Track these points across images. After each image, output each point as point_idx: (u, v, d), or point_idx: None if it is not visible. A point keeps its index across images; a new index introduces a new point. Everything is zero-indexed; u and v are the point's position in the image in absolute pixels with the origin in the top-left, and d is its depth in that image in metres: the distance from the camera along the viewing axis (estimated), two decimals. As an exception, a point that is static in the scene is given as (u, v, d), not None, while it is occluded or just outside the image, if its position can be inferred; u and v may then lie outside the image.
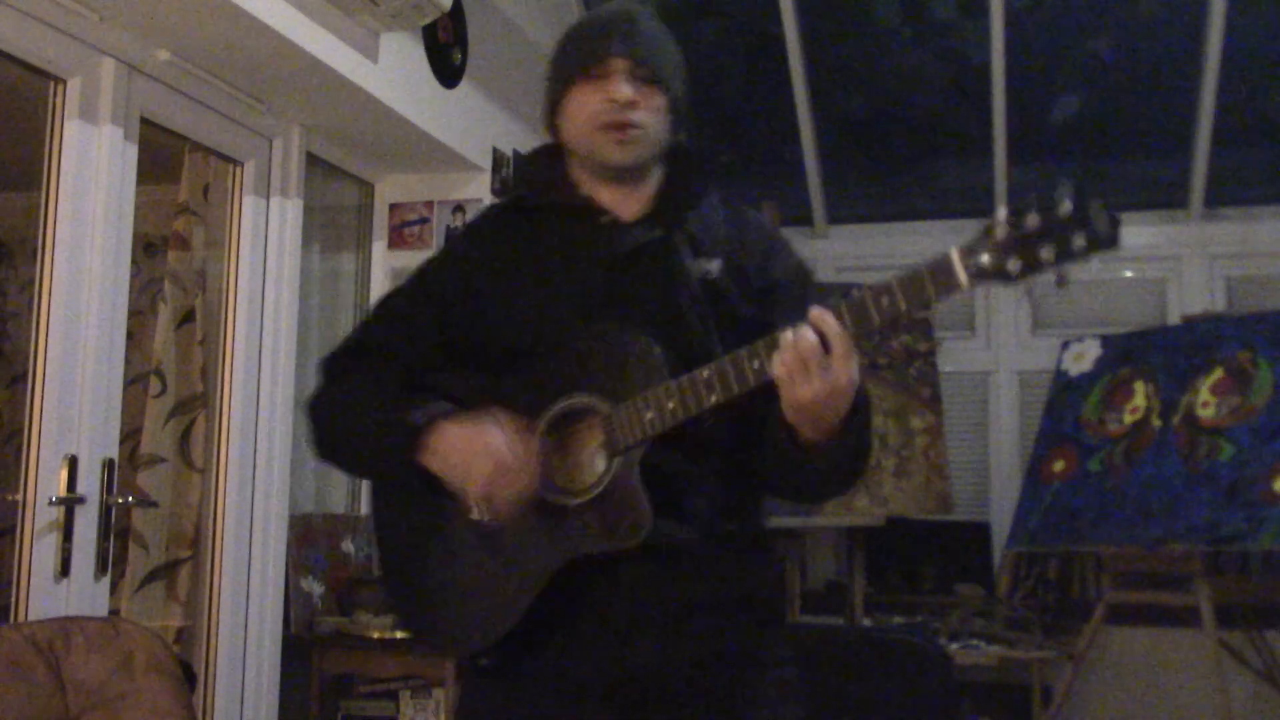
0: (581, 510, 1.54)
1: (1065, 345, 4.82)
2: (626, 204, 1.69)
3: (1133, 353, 4.54)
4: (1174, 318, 4.92)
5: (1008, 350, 5.21)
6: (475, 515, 1.58)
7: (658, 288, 1.62)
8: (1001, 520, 4.91)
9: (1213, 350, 4.29)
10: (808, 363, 1.41)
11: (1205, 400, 4.20)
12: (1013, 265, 1.30)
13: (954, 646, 4.21)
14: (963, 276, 1.33)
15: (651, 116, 1.65)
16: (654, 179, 1.71)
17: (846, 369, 1.42)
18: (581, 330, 1.58)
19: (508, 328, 1.65)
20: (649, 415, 1.49)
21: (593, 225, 1.66)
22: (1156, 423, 4.30)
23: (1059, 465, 4.51)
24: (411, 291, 1.76)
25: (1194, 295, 5.00)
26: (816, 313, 1.42)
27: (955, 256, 1.33)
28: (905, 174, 5.52)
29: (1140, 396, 4.42)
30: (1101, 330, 4.83)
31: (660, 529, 1.50)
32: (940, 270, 1.35)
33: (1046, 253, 1.29)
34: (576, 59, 1.66)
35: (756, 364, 1.46)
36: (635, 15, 1.68)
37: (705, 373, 1.47)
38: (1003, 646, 4.31)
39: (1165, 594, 4.07)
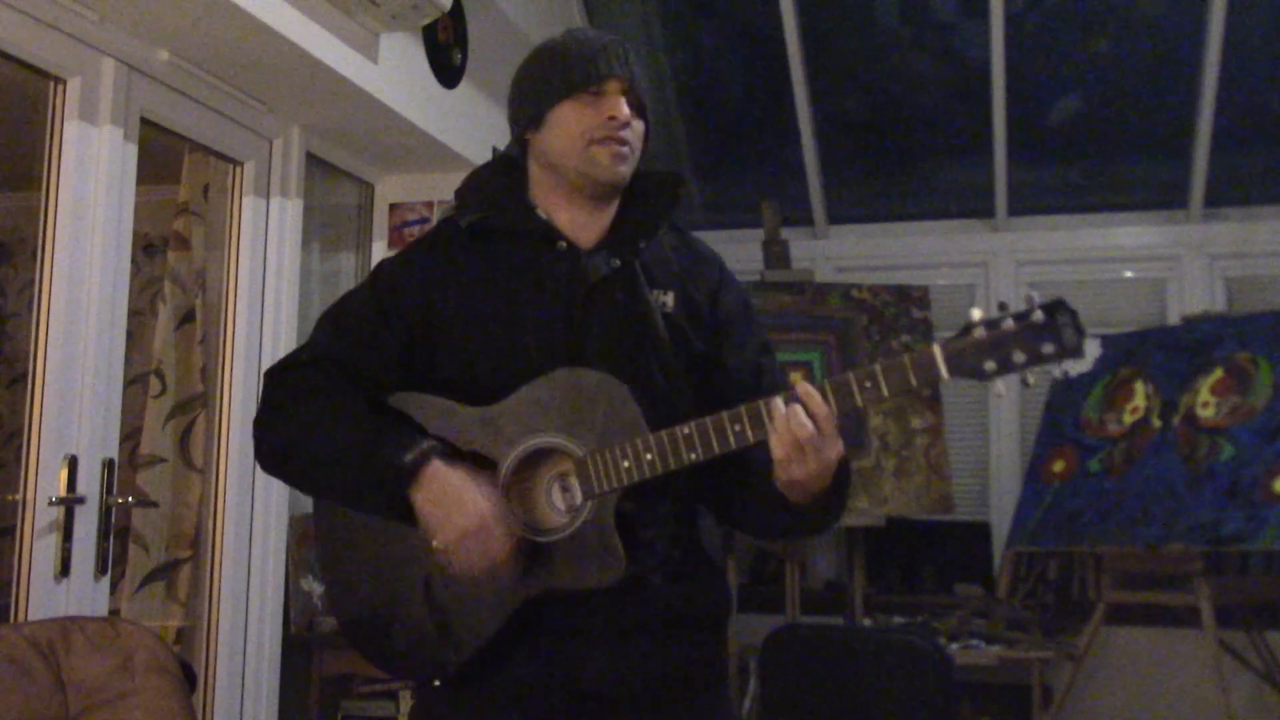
0: (553, 549, 1.57)
1: (1065, 345, 4.81)
2: (585, 230, 1.69)
3: (1133, 353, 4.54)
4: (1174, 318, 4.92)
5: (1008, 350, 5.20)
6: (437, 545, 1.57)
7: (621, 321, 1.63)
8: (1001, 520, 4.91)
9: (1212, 350, 4.29)
10: (804, 446, 1.48)
11: (1205, 400, 4.20)
12: (989, 365, 1.45)
13: (954, 646, 4.21)
14: (944, 370, 1.46)
15: (637, 143, 1.68)
16: (613, 207, 1.72)
17: (836, 448, 1.51)
18: (549, 366, 1.58)
19: (470, 356, 1.64)
20: (625, 464, 1.53)
21: (551, 252, 1.66)
22: (1156, 423, 4.30)
23: (1059, 465, 4.51)
24: (370, 302, 1.70)
25: (1194, 295, 4.99)
26: (805, 391, 1.49)
27: (938, 352, 1.46)
28: (905, 174, 5.52)
29: (1140, 396, 4.42)
30: (1101, 330, 4.82)
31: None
32: (923, 363, 1.46)
33: (1019, 356, 1.44)
34: (571, 75, 1.65)
35: (738, 428, 1.51)
36: (626, 44, 1.70)
37: (685, 430, 1.52)
38: (1003, 646, 4.30)
39: (1165, 594, 4.07)
